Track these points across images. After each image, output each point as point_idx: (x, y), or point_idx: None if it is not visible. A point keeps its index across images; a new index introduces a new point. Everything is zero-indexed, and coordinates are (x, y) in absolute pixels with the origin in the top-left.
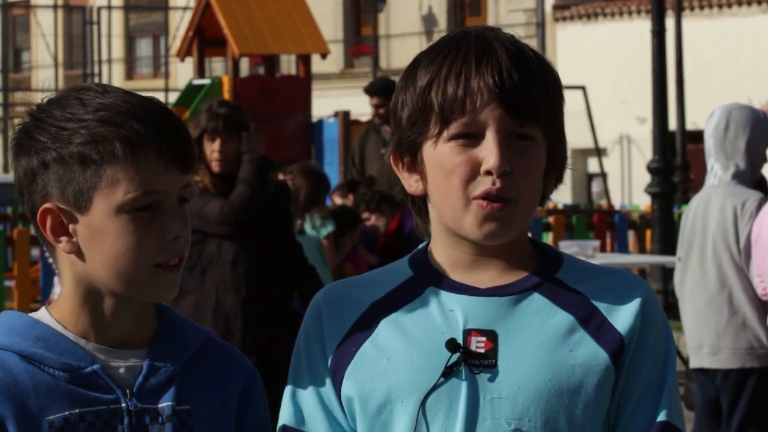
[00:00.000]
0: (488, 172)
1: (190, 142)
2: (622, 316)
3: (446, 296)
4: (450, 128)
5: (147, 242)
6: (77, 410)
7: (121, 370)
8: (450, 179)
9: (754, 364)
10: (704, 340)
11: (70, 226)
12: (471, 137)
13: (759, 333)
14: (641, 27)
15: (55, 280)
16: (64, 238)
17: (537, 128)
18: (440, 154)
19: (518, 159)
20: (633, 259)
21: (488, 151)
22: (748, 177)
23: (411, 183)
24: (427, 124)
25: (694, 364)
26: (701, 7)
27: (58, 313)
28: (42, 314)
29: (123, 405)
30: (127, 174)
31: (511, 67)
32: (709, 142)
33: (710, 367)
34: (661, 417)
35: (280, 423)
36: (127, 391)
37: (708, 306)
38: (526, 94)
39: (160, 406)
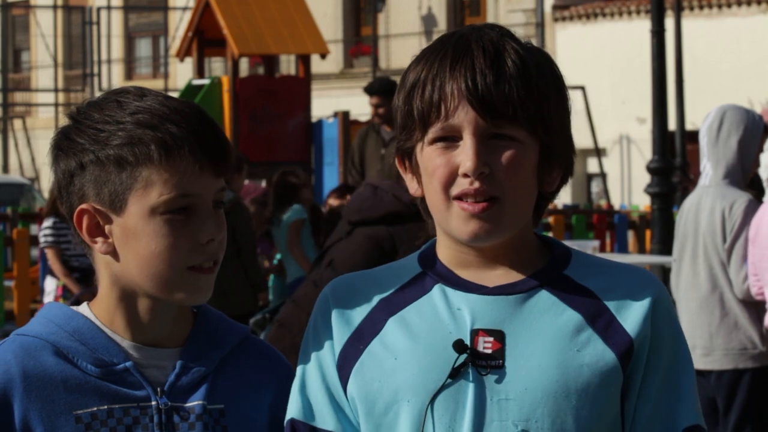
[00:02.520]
0: (465, 175)
1: (227, 146)
2: (632, 317)
3: (454, 294)
4: (429, 132)
5: (180, 244)
6: (105, 406)
7: (154, 368)
8: (432, 182)
9: (747, 364)
10: (697, 342)
11: (106, 227)
12: (450, 140)
13: (751, 333)
14: (641, 27)
15: (46, 281)
16: (99, 239)
17: (518, 128)
18: (425, 157)
19: (496, 159)
20: (632, 259)
21: (464, 155)
22: (738, 177)
23: (412, 185)
24: (413, 128)
25: None
26: (701, 7)
27: (97, 310)
28: (83, 308)
29: (153, 403)
30: (161, 176)
31: (485, 69)
32: (703, 142)
33: (704, 368)
34: (691, 420)
35: (288, 416)
36: (159, 389)
37: (700, 307)
38: (501, 96)
39: (190, 404)
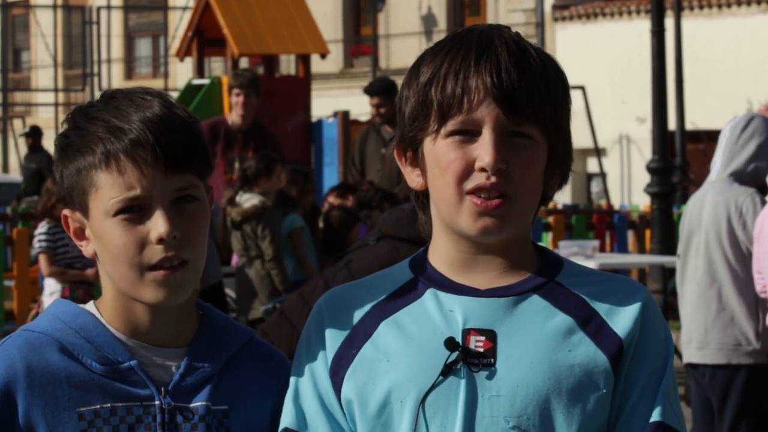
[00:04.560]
0: (482, 169)
1: (182, 144)
2: (622, 320)
3: (446, 297)
4: (447, 125)
5: (131, 245)
6: (109, 404)
7: (159, 368)
8: (445, 175)
9: (741, 360)
10: (693, 335)
11: (86, 231)
12: (468, 134)
13: (746, 330)
14: (641, 27)
15: (45, 281)
16: (84, 242)
17: (535, 127)
18: (438, 149)
19: (514, 157)
20: (632, 259)
21: (483, 149)
22: (747, 179)
23: (413, 178)
24: (427, 120)
25: (685, 359)
26: (701, 7)
27: (102, 309)
28: (90, 306)
29: (156, 402)
30: (107, 180)
31: (510, 66)
32: (722, 139)
33: (698, 362)
34: (655, 417)
35: (281, 426)
36: (162, 388)
37: (698, 301)
38: (524, 94)
39: (193, 405)
